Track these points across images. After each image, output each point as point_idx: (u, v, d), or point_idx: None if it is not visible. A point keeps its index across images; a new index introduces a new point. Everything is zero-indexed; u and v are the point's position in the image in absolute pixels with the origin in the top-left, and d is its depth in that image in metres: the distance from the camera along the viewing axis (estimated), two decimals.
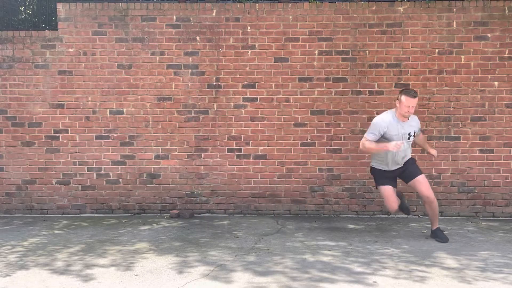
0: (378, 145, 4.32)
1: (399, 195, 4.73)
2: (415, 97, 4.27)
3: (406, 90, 4.37)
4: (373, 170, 4.67)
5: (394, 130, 4.33)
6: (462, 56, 5.60)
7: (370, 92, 5.66)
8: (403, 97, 4.27)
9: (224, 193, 5.79)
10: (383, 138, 4.36)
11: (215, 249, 4.20)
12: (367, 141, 4.35)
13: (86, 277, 3.48)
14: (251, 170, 5.76)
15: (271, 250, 4.15)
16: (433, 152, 4.68)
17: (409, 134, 4.40)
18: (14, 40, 5.75)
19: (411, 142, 4.50)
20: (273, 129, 5.72)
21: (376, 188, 4.71)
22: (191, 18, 5.70)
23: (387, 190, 4.49)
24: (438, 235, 4.53)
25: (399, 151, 4.36)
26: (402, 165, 4.51)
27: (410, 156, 4.59)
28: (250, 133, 5.73)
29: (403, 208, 4.74)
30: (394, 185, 4.55)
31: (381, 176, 4.56)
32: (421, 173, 4.52)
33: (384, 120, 4.36)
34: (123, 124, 5.77)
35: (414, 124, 4.48)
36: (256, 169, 5.76)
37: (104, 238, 4.62)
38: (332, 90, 5.67)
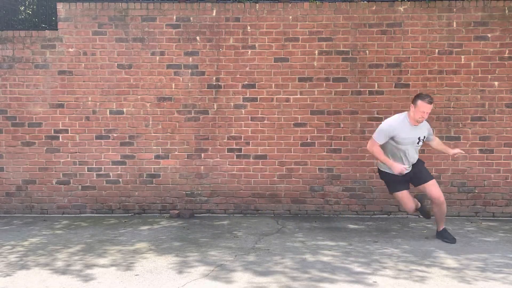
0: (386, 159, 4.32)
1: (420, 198, 4.71)
2: (431, 103, 4.18)
3: (423, 95, 4.25)
4: (382, 174, 4.61)
5: (404, 133, 4.27)
6: (462, 56, 5.60)
7: (370, 92, 5.66)
8: (419, 102, 4.16)
9: (224, 193, 5.79)
10: (392, 141, 4.31)
11: (215, 249, 4.20)
12: (376, 144, 4.33)
13: (86, 277, 3.48)
14: (251, 170, 5.76)
15: (271, 250, 4.15)
16: (456, 151, 4.59)
17: (419, 138, 4.35)
18: (14, 40, 5.75)
19: (420, 147, 4.46)
20: (273, 129, 5.72)
21: (390, 193, 4.69)
22: (191, 18, 5.70)
23: (404, 195, 4.49)
24: (445, 236, 4.50)
25: (409, 156, 4.34)
26: (410, 169, 4.45)
27: (418, 159, 4.55)
28: (250, 133, 5.73)
29: (423, 212, 4.73)
30: (407, 187, 4.53)
31: (392, 182, 4.52)
32: (431, 178, 4.46)
33: (391, 125, 4.29)
34: (123, 124, 5.77)
35: (424, 128, 4.41)
36: (256, 169, 5.76)
37: (104, 238, 4.62)
38: (332, 90, 5.67)
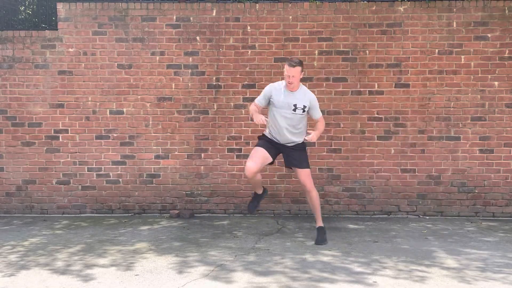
0: (252, 110, 4.38)
1: (265, 191, 4.77)
2: (293, 66, 4.19)
3: (288, 59, 4.34)
4: (262, 135, 4.61)
5: (279, 96, 4.32)
6: (462, 56, 5.60)
7: (370, 92, 5.66)
8: (285, 66, 4.25)
9: (224, 193, 5.79)
10: (273, 105, 4.36)
11: (215, 249, 4.20)
12: (254, 104, 4.42)
13: (86, 277, 3.48)
14: None
15: (271, 250, 4.15)
16: (309, 137, 4.36)
17: (295, 105, 4.29)
18: (14, 40, 5.75)
19: (300, 116, 4.33)
20: None
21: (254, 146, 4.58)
22: (191, 18, 5.70)
23: (258, 151, 4.39)
24: (318, 235, 4.43)
25: (285, 122, 4.30)
26: (289, 144, 4.41)
27: (301, 141, 4.46)
28: (250, 133, 5.73)
29: (254, 200, 4.73)
30: (269, 152, 4.41)
31: (264, 139, 4.50)
32: (306, 167, 4.44)
33: (270, 86, 4.42)
34: (123, 124, 5.77)
35: (304, 98, 4.33)
36: None
37: (104, 238, 4.62)
38: (332, 90, 5.67)
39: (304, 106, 4.34)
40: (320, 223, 4.52)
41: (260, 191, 4.73)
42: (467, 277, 3.46)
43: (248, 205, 4.79)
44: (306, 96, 4.37)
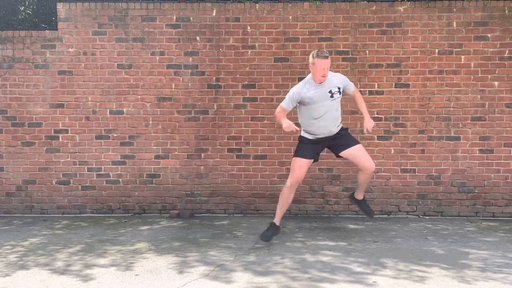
0: (280, 117, 4.26)
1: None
2: (327, 57, 4.09)
3: (317, 52, 4.14)
4: (300, 138, 4.49)
5: (309, 93, 4.18)
6: (462, 56, 5.60)
7: (370, 92, 5.66)
8: (316, 60, 4.08)
9: (224, 193, 5.79)
10: (303, 105, 4.25)
11: (215, 249, 4.20)
12: (282, 110, 4.28)
13: (86, 277, 3.48)
14: (251, 170, 5.76)
15: (271, 250, 4.15)
16: (368, 124, 4.34)
17: (330, 92, 4.20)
18: (14, 40, 5.75)
19: (338, 100, 4.28)
20: (273, 129, 5.72)
21: (293, 156, 4.47)
22: (191, 18, 5.70)
23: (301, 163, 4.33)
24: (364, 208, 4.64)
25: (326, 114, 4.21)
26: (334, 134, 4.33)
27: (341, 125, 4.42)
28: (250, 133, 5.73)
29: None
30: (311, 158, 4.39)
31: (304, 145, 4.39)
32: (357, 143, 4.38)
33: (294, 91, 4.25)
34: (123, 124, 5.77)
35: (334, 81, 4.25)
36: (256, 169, 5.76)
37: (104, 238, 4.62)
38: None
39: (339, 88, 4.26)
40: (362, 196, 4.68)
41: (276, 222, 4.55)
42: (467, 277, 3.46)
43: (262, 233, 4.49)
44: (334, 78, 4.28)
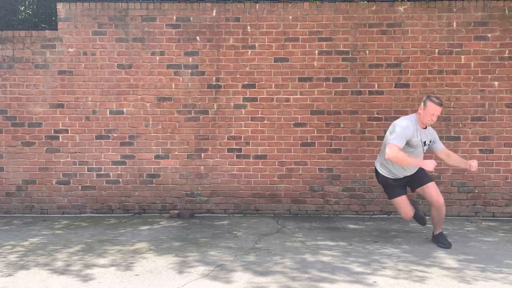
0: (416, 160, 4.08)
1: (413, 203, 4.54)
2: (441, 105, 4.01)
3: (433, 97, 4.07)
4: (380, 178, 4.44)
5: (415, 137, 4.10)
6: (462, 56, 5.60)
7: (370, 92, 5.66)
8: (429, 104, 4.00)
9: (224, 193, 5.79)
10: (406, 145, 4.09)
11: (215, 249, 4.20)
12: (398, 149, 3.95)
13: (86, 277, 3.48)
14: (251, 170, 5.76)
15: (271, 250, 4.15)
16: (474, 164, 4.12)
17: (424, 142, 4.20)
18: (14, 40, 5.75)
19: (424, 152, 4.30)
20: (273, 129, 5.72)
21: (389, 199, 4.53)
22: (191, 18, 5.70)
23: (403, 201, 4.33)
24: (441, 240, 4.28)
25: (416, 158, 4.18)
26: (412, 173, 4.32)
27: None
28: (250, 133, 5.73)
29: (418, 217, 4.54)
30: (405, 192, 4.39)
31: (390, 186, 4.38)
32: (431, 180, 4.30)
33: (408, 127, 4.07)
34: (123, 124, 5.77)
35: (430, 133, 4.27)
36: (256, 169, 5.76)
37: (104, 238, 4.62)
38: (332, 90, 5.67)
39: (430, 141, 4.25)
40: (440, 230, 4.39)
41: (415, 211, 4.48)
42: (467, 277, 3.45)
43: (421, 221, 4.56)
44: (431, 130, 4.28)
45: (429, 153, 4.52)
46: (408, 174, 4.31)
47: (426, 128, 4.23)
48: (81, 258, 3.94)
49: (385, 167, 4.34)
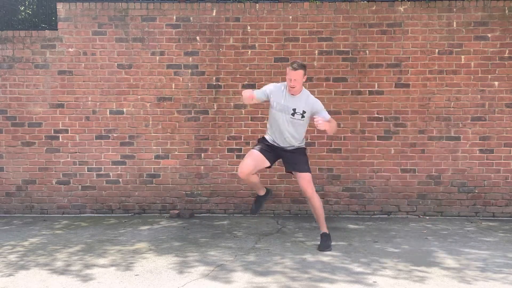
0: (244, 91, 4.18)
1: (268, 189, 4.61)
2: (295, 69, 4.01)
3: (292, 62, 4.13)
4: (260, 139, 4.47)
5: (278, 98, 4.15)
6: (462, 56, 5.60)
7: (370, 92, 5.66)
8: (287, 69, 4.08)
9: (224, 193, 5.79)
10: (271, 106, 4.20)
11: (215, 249, 4.20)
12: (248, 91, 4.16)
13: (86, 277, 3.48)
14: None
15: (271, 250, 4.15)
16: (319, 122, 4.00)
17: (294, 110, 4.11)
18: (14, 40, 5.75)
19: (299, 121, 4.16)
20: None
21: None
22: (191, 18, 5.70)
23: (253, 154, 4.24)
24: (321, 242, 4.21)
25: (284, 126, 4.14)
26: (289, 148, 4.25)
27: (302, 146, 4.33)
28: (250, 133, 5.73)
29: (257, 201, 4.59)
30: (267, 157, 4.24)
31: (260, 143, 4.36)
32: (307, 171, 4.22)
33: (275, 85, 4.24)
34: (123, 124, 5.77)
35: (305, 102, 4.15)
36: None
37: (104, 238, 4.62)
38: (332, 90, 5.67)
39: (304, 112, 4.13)
40: (324, 229, 4.28)
41: (261, 193, 4.60)
42: (467, 277, 3.45)
43: (251, 206, 4.75)
44: (308, 101, 4.18)
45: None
46: (280, 145, 4.25)
47: (297, 95, 4.14)
48: (81, 258, 3.94)
49: (267, 131, 4.37)
